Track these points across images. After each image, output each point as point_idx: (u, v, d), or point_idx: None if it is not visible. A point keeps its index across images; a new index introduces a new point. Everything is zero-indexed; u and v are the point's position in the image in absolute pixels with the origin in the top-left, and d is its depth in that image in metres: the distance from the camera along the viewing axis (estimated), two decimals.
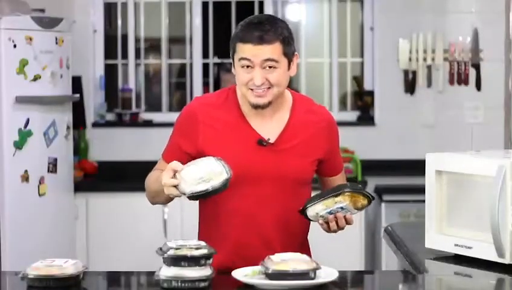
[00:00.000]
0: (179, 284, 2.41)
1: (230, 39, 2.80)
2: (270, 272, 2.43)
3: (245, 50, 2.72)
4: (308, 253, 2.94)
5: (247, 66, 2.73)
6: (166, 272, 2.43)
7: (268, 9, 6.19)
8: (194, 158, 2.73)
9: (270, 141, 2.82)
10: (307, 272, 2.44)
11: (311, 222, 2.86)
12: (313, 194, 2.86)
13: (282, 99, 2.84)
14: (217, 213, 2.86)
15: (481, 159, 2.71)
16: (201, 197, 2.62)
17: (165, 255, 2.44)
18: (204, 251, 2.45)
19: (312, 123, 2.87)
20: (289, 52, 2.76)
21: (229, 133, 2.82)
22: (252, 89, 2.75)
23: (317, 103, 2.97)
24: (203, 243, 2.49)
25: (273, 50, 2.72)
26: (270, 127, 2.83)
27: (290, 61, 2.77)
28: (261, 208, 2.81)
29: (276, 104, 2.81)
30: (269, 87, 2.74)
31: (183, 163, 2.68)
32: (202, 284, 2.42)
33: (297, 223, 2.84)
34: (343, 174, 3.02)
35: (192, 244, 2.47)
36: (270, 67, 2.73)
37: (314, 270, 2.45)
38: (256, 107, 2.78)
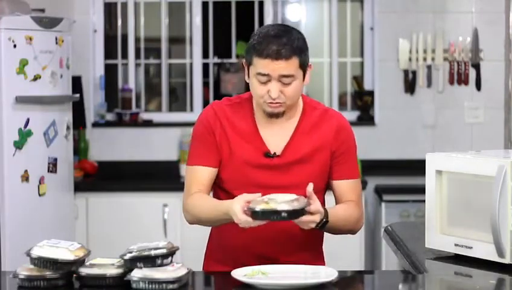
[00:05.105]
0: (146, 285, 2.42)
1: (246, 48, 2.80)
2: (257, 210, 2.57)
3: (263, 65, 2.72)
4: (322, 262, 2.96)
5: (264, 80, 2.75)
6: (137, 273, 2.44)
7: (268, 9, 6.19)
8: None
9: (276, 154, 2.84)
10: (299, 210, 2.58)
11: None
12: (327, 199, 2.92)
13: (295, 106, 2.86)
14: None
15: (481, 159, 2.71)
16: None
17: (124, 257, 2.46)
18: (161, 251, 2.45)
19: (319, 130, 2.87)
20: (305, 64, 2.77)
21: (240, 141, 2.84)
22: (267, 101, 2.77)
23: (330, 107, 2.97)
24: (164, 243, 2.49)
25: (291, 65, 2.73)
26: (279, 138, 2.85)
27: (305, 73, 2.78)
28: None
29: (289, 112, 2.84)
30: (283, 100, 2.77)
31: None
32: (170, 286, 2.42)
33: (309, 232, 2.80)
34: (354, 183, 2.90)
35: (152, 245, 2.48)
36: (286, 81, 2.74)
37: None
38: (271, 116, 2.82)
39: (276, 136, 2.85)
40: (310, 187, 2.66)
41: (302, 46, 2.76)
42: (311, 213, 2.64)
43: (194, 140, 2.90)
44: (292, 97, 2.78)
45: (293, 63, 2.73)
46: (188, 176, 2.89)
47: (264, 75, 2.73)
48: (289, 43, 2.72)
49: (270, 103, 2.76)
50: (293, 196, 2.62)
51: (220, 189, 2.90)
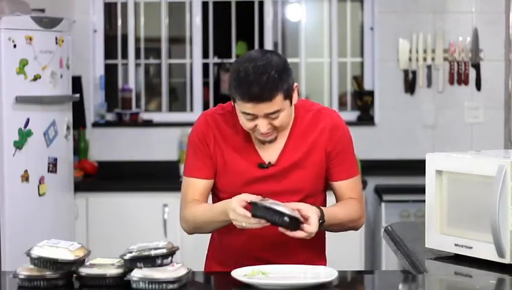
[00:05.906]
0: (146, 285, 2.42)
1: (229, 83, 2.74)
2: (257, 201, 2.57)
3: (246, 107, 2.68)
4: (324, 262, 2.96)
5: (251, 118, 2.71)
6: (137, 273, 2.44)
7: (268, 9, 6.19)
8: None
9: (271, 163, 2.82)
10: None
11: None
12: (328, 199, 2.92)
13: None
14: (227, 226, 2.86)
15: (481, 159, 2.70)
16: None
17: (124, 257, 2.46)
18: (161, 251, 2.45)
19: (313, 131, 2.85)
20: (289, 92, 2.72)
21: (233, 154, 2.83)
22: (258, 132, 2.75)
23: (326, 106, 2.95)
24: (164, 243, 2.49)
25: (275, 103, 2.68)
26: (273, 147, 2.83)
27: (291, 99, 2.74)
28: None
29: None
30: (274, 129, 2.75)
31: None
32: (170, 286, 2.42)
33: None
34: (353, 182, 2.90)
35: (152, 245, 2.48)
36: (273, 116, 2.71)
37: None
38: (264, 143, 2.81)
39: (269, 146, 2.83)
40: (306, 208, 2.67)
41: (283, 75, 2.68)
42: (303, 230, 2.64)
43: (189, 150, 2.89)
44: (282, 125, 2.76)
45: (277, 100, 2.67)
46: (184, 187, 2.89)
47: (249, 114, 2.70)
48: (269, 80, 2.65)
49: (261, 134, 2.75)
50: (292, 210, 2.62)
51: (217, 199, 2.90)
